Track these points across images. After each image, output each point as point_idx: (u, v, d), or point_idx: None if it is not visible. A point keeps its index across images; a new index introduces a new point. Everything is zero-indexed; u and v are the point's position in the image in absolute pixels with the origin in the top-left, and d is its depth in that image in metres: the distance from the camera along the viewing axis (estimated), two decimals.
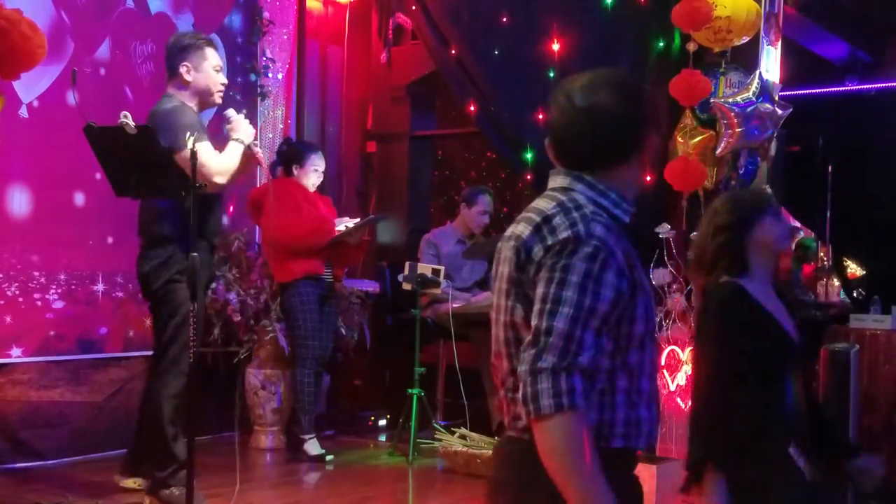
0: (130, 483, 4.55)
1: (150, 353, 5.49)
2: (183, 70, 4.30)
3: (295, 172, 5.64)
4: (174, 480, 4.19)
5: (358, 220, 5.86)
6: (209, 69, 4.35)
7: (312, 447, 5.46)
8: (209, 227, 4.40)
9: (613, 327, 1.80)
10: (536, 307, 1.79)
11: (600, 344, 1.78)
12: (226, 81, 4.50)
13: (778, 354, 2.64)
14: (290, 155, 5.72)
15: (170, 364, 4.26)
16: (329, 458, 5.46)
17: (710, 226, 2.76)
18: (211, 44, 4.43)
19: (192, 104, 4.35)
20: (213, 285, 5.66)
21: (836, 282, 7.93)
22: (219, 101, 4.47)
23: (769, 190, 5.09)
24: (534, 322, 1.79)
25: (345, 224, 5.65)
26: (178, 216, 4.10)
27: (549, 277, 1.78)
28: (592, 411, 1.79)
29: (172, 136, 4.09)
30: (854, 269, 7.94)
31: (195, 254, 3.73)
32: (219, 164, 4.21)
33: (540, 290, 1.80)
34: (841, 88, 7.19)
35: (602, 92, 1.94)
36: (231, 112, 4.32)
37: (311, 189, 5.66)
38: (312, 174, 5.67)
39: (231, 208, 6.30)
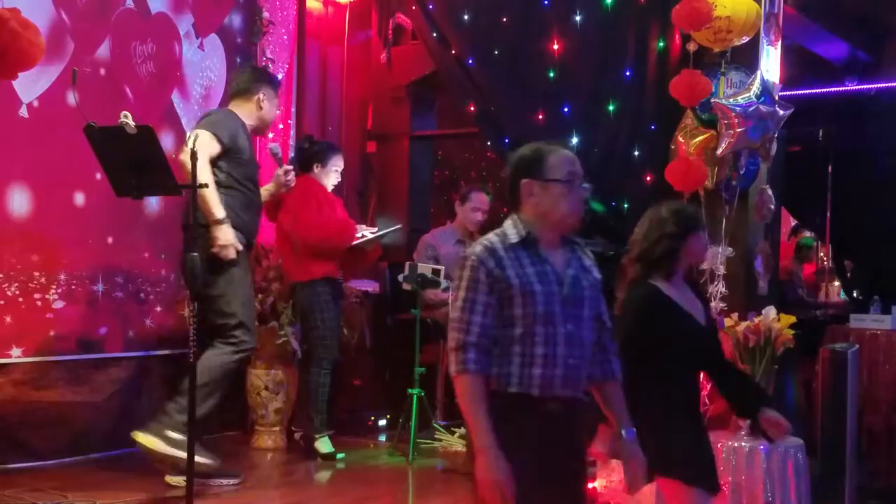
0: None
1: (149, 353, 5.52)
2: (261, 96, 4.96)
3: (315, 171, 5.64)
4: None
5: (376, 228, 5.89)
6: (275, 107, 5.10)
7: (324, 445, 5.48)
8: (249, 227, 4.56)
9: (500, 309, 2.60)
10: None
11: (486, 323, 2.60)
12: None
13: (685, 340, 3.21)
14: (313, 153, 5.70)
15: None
16: (340, 455, 5.48)
17: (658, 231, 3.26)
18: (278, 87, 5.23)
19: (250, 127, 4.98)
20: None
21: (837, 282, 7.95)
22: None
23: (769, 191, 5.09)
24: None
25: (363, 233, 5.67)
26: None
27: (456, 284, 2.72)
28: (494, 366, 2.62)
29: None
30: (849, 269, 7.94)
31: (195, 254, 3.73)
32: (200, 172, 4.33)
33: None
34: (841, 88, 7.18)
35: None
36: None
37: (330, 188, 5.69)
38: (333, 174, 5.69)
39: None
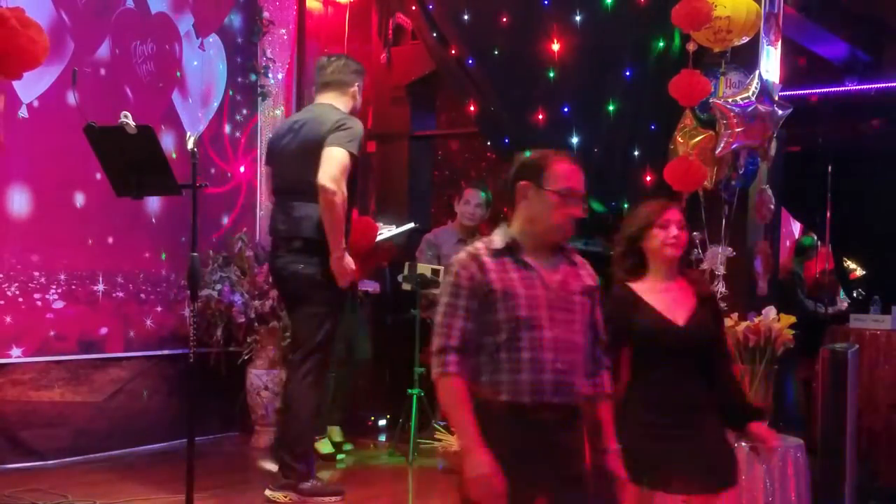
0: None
1: (149, 353, 5.51)
2: (356, 88, 4.75)
3: None
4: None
5: (393, 227, 5.89)
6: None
7: (323, 446, 5.49)
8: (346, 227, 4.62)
9: (484, 315, 2.61)
10: None
11: (466, 327, 2.61)
12: None
13: (647, 339, 3.20)
14: None
15: (318, 362, 4.56)
16: (340, 456, 5.48)
17: (622, 233, 3.33)
18: None
19: None
20: (220, 287, 5.67)
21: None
22: None
23: (769, 191, 5.09)
24: None
25: (381, 231, 5.68)
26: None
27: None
28: (483, 374, 2.62)
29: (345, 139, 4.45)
30: (854, 269, 7.95)
31: (195, 254, 3.74)
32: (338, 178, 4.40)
33: None
34: (841, 88, 7.18)
35: None
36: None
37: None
38: None
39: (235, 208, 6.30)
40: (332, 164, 4.39)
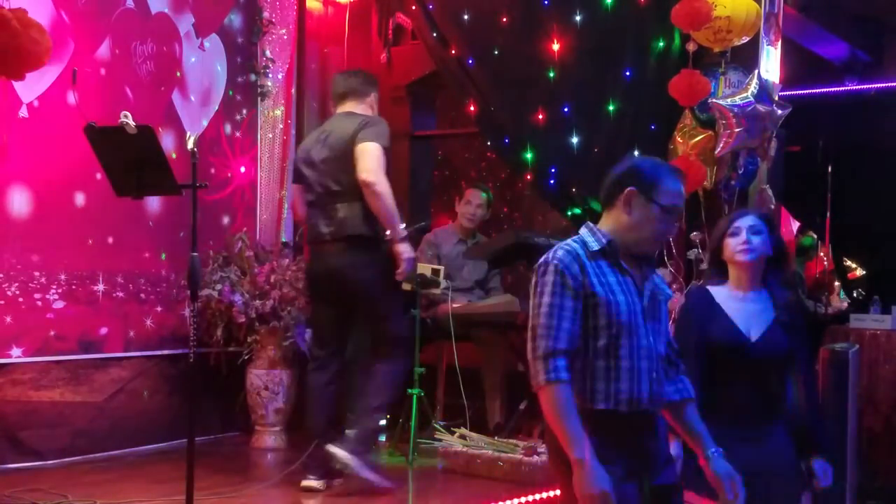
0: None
1: (149, 353, 5.51)
2: (373, 98, 4.97)
3: None
4: None
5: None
6: None
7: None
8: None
9: (583, 320, 2.53)
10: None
11: (574, 330, 2.51)
12: None
13: (725, 350, 3.20)
14: None
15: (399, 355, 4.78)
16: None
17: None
18: None
19: None
20: (220, 287, 5.67)
21: (836, 283, 7.94)
22: None
23: (769, 190, 5.10)
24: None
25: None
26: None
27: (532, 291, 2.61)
28: (576, 382, 2.52)
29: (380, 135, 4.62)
30: (854, 269, 7.94)
31: (195, 253, 3.74)
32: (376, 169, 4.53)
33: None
34: (841, 88, 7.19)
35: None
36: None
37: None
38: None
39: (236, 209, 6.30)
40: (368, 157, 4.52)
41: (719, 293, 3.28)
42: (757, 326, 3.21)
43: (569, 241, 2.65)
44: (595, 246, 2.60)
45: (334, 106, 4.98)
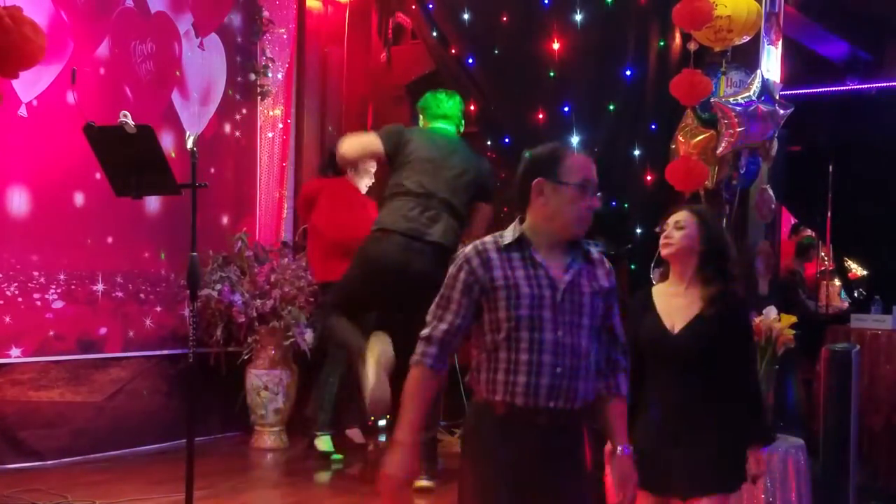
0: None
1: (148, 353, 5.51)
2: (461, 124, 5.26)
3: (349, 173, 5.68)
4: None
5: None
6: None
7: (323, 443, 5.48)
8: None
9: (488, 313, 2.54)
10: None
11: (457, 322, 2.56)
12: None
13: (649, 344, 3.19)
14: None
15: None
16: (336, 457, 5.47)
17: None
18: None
19: None
20: (220, 286, 5.67)
21: (837, 282, 7.94)
22: None
23: (770, 190, 5.09)
24: None
25: None
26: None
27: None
28: (482, 372, 2.59)
29: None
30: (855, 269, 7.94)
31: (195, 253, 3.73)
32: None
33: None
34: (842, 88, 7.18)
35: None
36: None
37: (364, 190, 5.73)
38: (366, 176, 5.75)
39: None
40: (485, 221, 4.95)
41: (658, 290, 3.29)
42: (681, 320, 3.17)
43: (487, 236, 2.68)
44: (508, 239, 2.62)
45: (425, 118, 5.18)
